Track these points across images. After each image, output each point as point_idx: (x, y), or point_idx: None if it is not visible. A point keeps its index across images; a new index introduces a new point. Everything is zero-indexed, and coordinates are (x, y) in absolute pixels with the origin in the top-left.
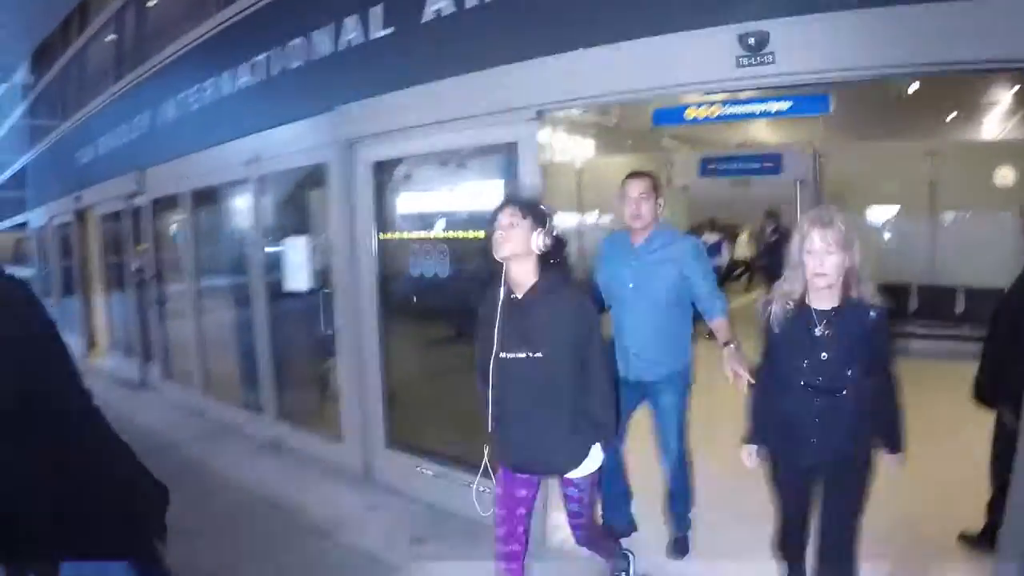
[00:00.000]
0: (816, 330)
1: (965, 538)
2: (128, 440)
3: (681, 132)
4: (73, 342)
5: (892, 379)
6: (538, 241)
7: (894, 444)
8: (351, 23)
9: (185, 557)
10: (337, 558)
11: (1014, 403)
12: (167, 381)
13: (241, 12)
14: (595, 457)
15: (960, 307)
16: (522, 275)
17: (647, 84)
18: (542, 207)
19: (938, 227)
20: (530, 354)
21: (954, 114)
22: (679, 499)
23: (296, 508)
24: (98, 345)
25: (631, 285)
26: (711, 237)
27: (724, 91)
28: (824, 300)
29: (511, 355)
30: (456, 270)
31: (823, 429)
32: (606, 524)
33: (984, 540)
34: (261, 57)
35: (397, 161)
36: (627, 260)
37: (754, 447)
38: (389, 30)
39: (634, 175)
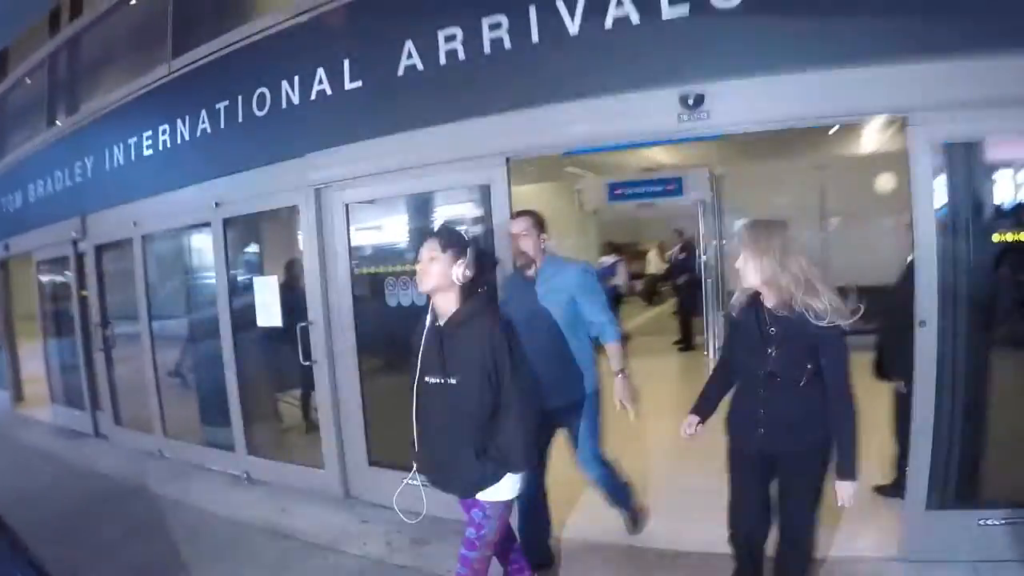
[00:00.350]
0: (766, 327)
1: (879, 488)
2: (82, 490)
3: (584, 159)
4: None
5: (849, 405)
6: (457, 272)
7: (846, 472)
8: (322, 74)
9: None
10: (350, 567)
11: (906, 376)
12: (120, 428)
13: (214, 54)
14: (505, 487)
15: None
16: (444, 305)
17: (602, 135)
18: (463, 238)
19: (829, 233)
20: (445, 380)
21: (835, 128)
22: (616, 495)
23: (290, 531)
24: (26, 397)
25: (527, 316)
26: (608, 259)
27: (668, 142)
28: (769, 299)
29: (431, 380)
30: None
31: (768, 420)
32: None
33: (894, 489)
34: (224, 104)
35: (370, 202)
36: (523, 294)
37: (695, 419)
38: (358, 83)
39: (516, 215)
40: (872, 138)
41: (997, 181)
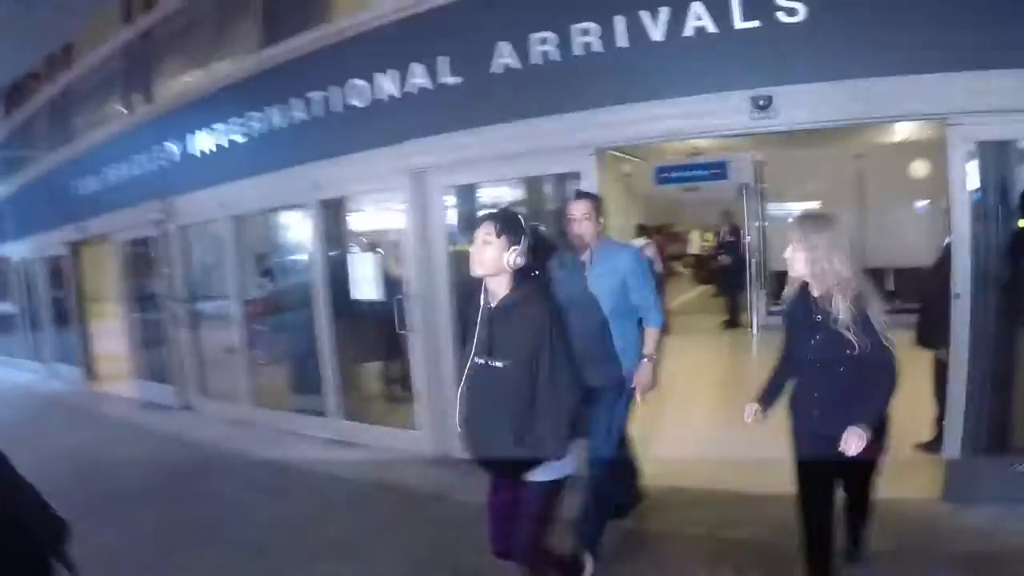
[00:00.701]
0: (813, 315)
1: (920, 446)
2: (186, 456)
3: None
4: (71, 372)
5: (884, 370)
6: (509, 259)
7: (863, 418)
8: (420, 70)
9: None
10: (460, 511)
11: (945, 344)
12: (206, 399)
13: (307, 47)
14: (556, 467)
15: (890, 285)
16: (496, 287)
17: (682, 130)
18: (520, 224)
19: (867, 217)
20: (491, 362)
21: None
22: (590, 505)
23: (395, 485)
24: (98, 374)
25: (577, 298)
26: (637, 242)
27: (740, 137)
28: (816, 288)
29: (478, 360)
30: None
31: (822, 403)
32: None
33: (935, 445)
34: (321, 94)
35: (465, 186)
36: (573, 276)
37: (755, 406)
38: (456, 79)
39: (577, 196)
40: (906, 128)
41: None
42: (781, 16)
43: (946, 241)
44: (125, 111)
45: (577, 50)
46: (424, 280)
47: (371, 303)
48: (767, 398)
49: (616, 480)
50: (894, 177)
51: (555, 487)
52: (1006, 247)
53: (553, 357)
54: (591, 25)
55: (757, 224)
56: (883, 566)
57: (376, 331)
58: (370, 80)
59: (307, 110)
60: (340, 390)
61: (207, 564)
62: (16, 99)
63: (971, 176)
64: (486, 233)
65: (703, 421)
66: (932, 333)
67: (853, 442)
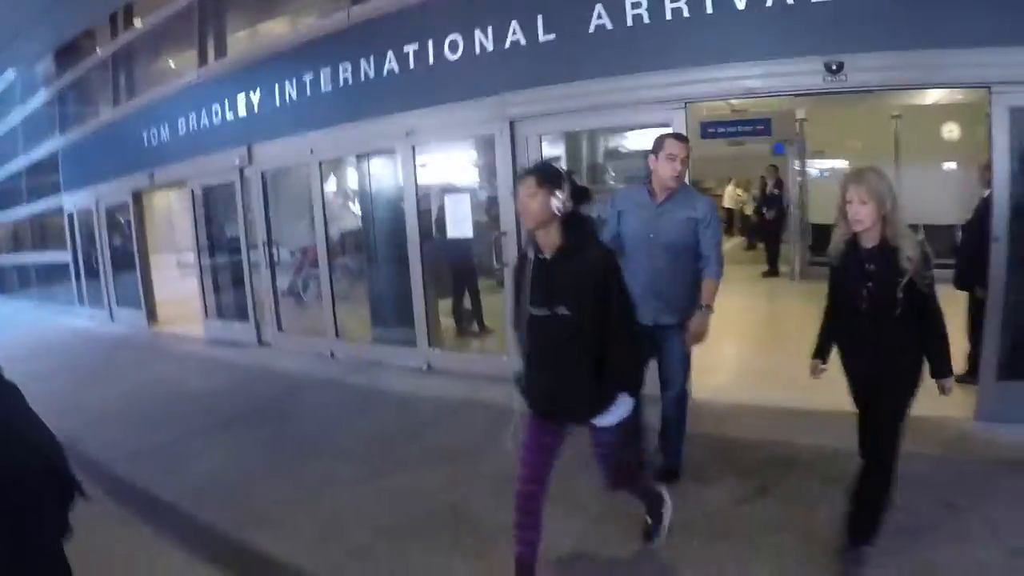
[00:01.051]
0: (865, 264)
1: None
2: (275, 384)
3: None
4: (133, 316)
5: (941, 324)
6: (556, 204)
7: (944, 371)
8: (516, 26)
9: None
10: None
11: (983, 284)
12: (283, 334)
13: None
14: (621, 407)
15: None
16: (548, 238)
17: (763, 88)
18: (558, 171)
19: (901, 174)
20: (554, 311)
21: None
22: (674, 427)
23: (488, 403)
24: (159, 318)
25: (651, 235)
26: None
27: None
28: (868, 240)
29: (539, 311)
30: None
31: (871, 348)
32: (640, 465)
33: (968, 376)
34: (413, 48)
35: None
36: (646, 214)
37: (817, 362)
38: (551, 36)
39: (677, 137)
40: (938, 92)
41: None
42: None
43: (986, 193)
44: (200, 63)
45: (668, 15)
46: (516, 220)
47: (455, 241)
48: (824, 352)
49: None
50: (927, 137)
51: (622, 426)
52: None
53: (620, 299)
54: None
55: (798, 179)
56: (924, 466)
57: (461, 267)
58: (468, 35)
59: (397, 62)
60: (426, 320)
61: (315, 474)
62: (70, 57)
63: (1011, 137)
64: (528, 187)
65: (760, 351)
66: (971, 275)
67: (947, 387)
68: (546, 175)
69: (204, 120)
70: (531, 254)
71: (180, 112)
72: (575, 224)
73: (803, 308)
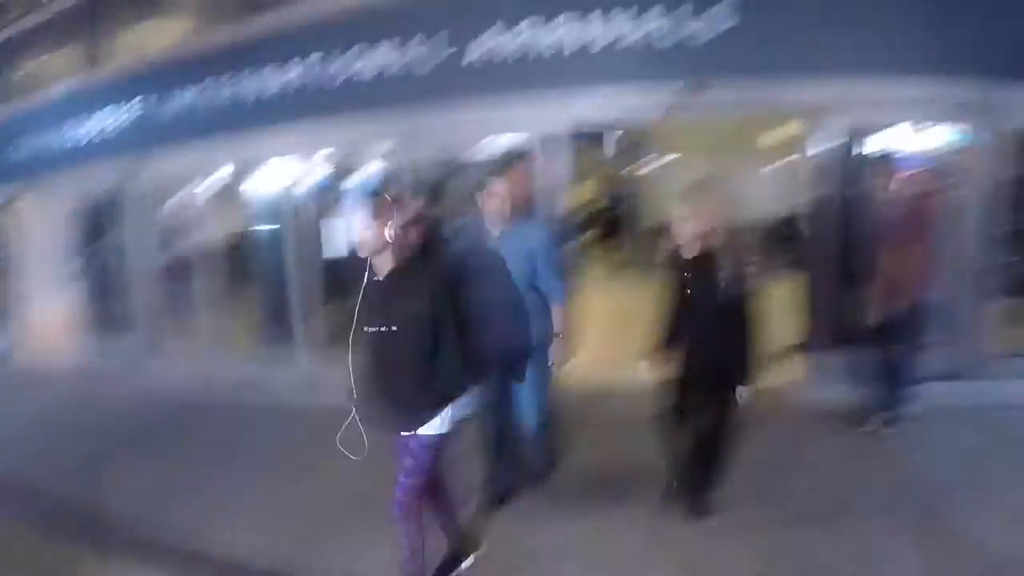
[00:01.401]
0: (684, 273)
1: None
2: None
3: None
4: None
5: (744, 327)
6: (388, 234)
7: (737, 377)
8: None
9: None
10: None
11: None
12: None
13: None
14: (437, 423)
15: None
16: (381, 262)
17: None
18: (387, 201)
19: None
20: (386, 328)
21: None
22: (540, 436)
23: None
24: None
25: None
26: None
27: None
28: (688, 252)
29: (370, 329)
30: None
31: (703, 342)
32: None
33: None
34: None
35: None
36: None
37: (657, 355)
38: None
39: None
40: None
41: None
42: None
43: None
44: (90, 66)
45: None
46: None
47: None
48: (665, 344)
49: (539, 444)
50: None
51: (438, 441)
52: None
53: (454, 311)
54: None
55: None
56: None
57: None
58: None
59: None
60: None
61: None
62: None
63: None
64: (362, 220)
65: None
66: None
67: (746, 394)
68: (377, 207)
69: (95, 126)
70: (366, 277)
71: (67, 117)
72: (407, 247)
73: None
